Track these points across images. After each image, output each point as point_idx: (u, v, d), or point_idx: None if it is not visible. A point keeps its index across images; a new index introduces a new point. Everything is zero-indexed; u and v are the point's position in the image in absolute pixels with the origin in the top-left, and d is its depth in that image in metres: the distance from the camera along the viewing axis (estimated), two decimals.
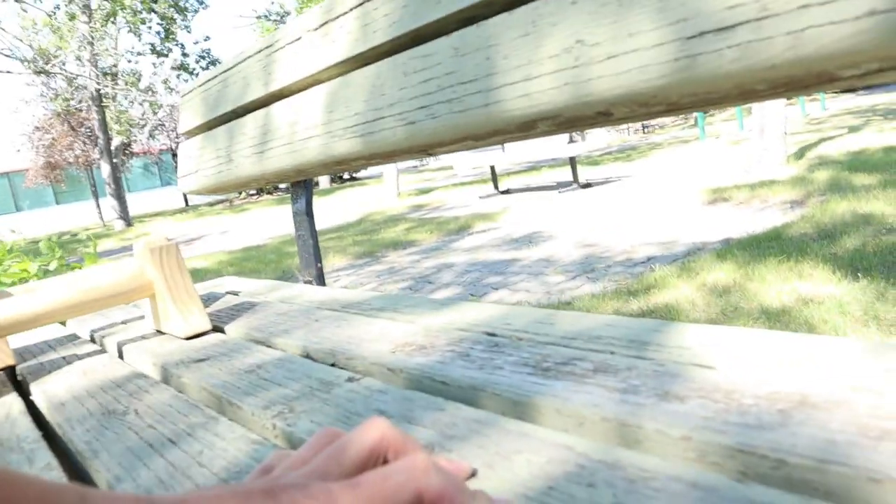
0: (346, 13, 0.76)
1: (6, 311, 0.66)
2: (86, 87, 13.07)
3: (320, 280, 1.04)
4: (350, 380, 0.51)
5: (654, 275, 3.06)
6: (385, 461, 0.31)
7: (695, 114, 12.46)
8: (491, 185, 7.80)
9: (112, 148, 13.31)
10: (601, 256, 3.76)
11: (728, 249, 3.29)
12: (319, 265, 1.01)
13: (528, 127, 0.60)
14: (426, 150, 0.73)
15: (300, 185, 1.05)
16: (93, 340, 0.89)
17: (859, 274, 2.50)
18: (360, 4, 0.74)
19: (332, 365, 0.59)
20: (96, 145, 13.92)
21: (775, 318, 2.25)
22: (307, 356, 0.63)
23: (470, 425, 0.40)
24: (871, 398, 0.36)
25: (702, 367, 0.44)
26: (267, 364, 0.60)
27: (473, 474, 0.34)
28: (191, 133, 1.24)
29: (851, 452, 0.31)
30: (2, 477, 0.23)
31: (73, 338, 0.88)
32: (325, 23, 0.80)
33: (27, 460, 0.45)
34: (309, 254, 1.01)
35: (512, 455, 0.35)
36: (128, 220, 12.83)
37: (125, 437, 0.47)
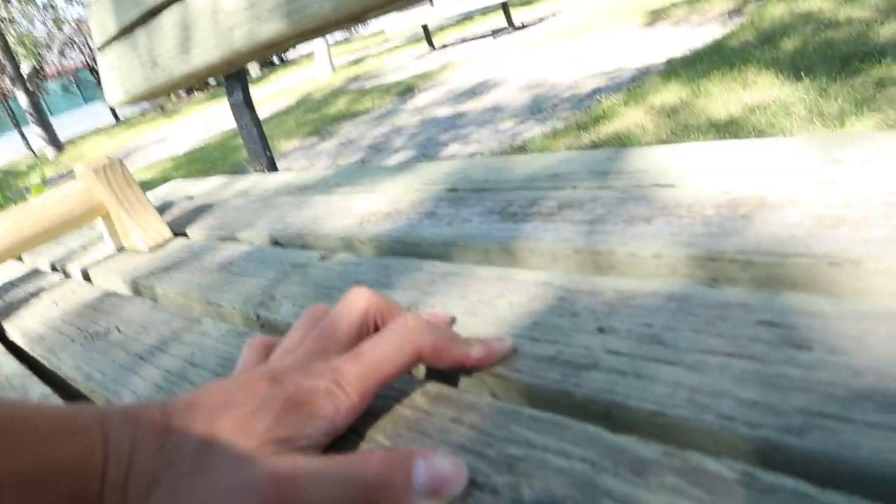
0: None
1: None
2: None
3: (272, 168, 1.01)
4: (323, 258, 0.51)
5: (601, 106, 3.06)
6: (375, 327, 0.32)
7: None
8: (426, 44, 7.51)
9: (24, 74, 12.34)
10: (547, 96, 3.71)
11: (672, 70, 3.27)
12: (268, 153, 0.98)
13: None
14: (355, 18, 0.69)
15: (233, 77, 0.99)
16: (55, 269, 0.87)
17: (802, 74, 2.53)
18: None
19: (302, 247, 0.59)
20: (5, 73, 12.91)
21: (724, 129, 2.28)
22: (276, 243, 0.62)
23: (448, 279, 0.41)
24: (824, 189, 0.37)
25: (662, 186, 0.45)
26: (236, 259, 0.59)
27: (453, 321, 0.35)
28: (107, 44, 1.16)
29: (810, 242, 0.32)
30: (8, 412, 0.23)
31: (34, 272, 0.86)
32: None
33: (22, 396, 0.46)
34: (256, 144, 0.98)
35: (493, 300, 0.36)
36: (59, 146, 12.16)
37: (113, 355, 0.47)
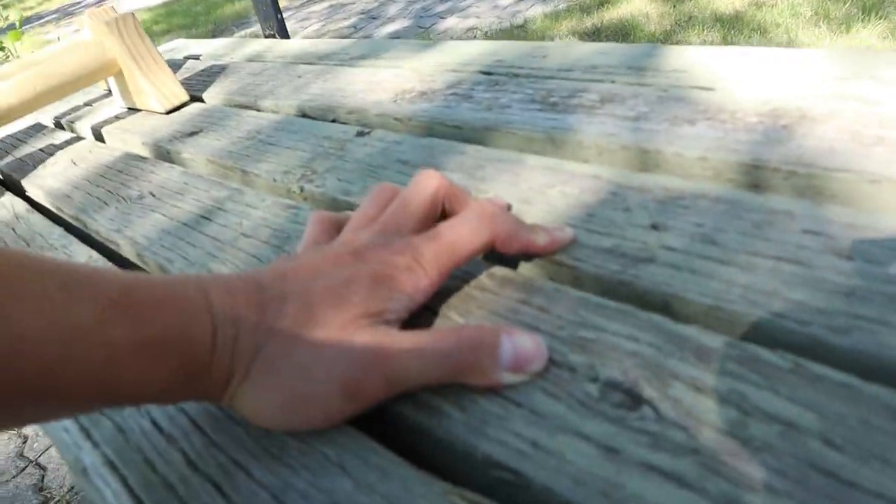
0: None
1: None
2: None
3: (283, 33, 0.98)
4: (360, 134, 0.52)
5: None
6: (443, 210, 0.33)
7: None
8: None
9: None
10: None
11: None
12: (280, 16, 0.95)
13: None
14: None
15: None
16: (61, 126, 0.85)
17: None
18: None
19: (333, 121, 0.59)
20: None
21: (729, 24, 2.23)
22: (303, 115, 0.62)
23: (495, 165, 0.42)
24: (863, 107, 0.38)
25: (702, 89, 0.46)
26: (265, 128, 0.59)
27: (509, 208, 0.37)
28: None
29: (851, 159, 0.34)
30: (126, 282, 0.24)
31: (38, 127, 0.85)
32: None
33: (67, 257, 0.47)
34: (266, 5, 0.94)
35: (545, 188, 0.38)
36: None
37: (154, 221, 0.48)
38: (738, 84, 0.45)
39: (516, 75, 0.56)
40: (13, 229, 0.55)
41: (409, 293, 0.28)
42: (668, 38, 2.26)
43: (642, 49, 0.55)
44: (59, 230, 0.52)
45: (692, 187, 0.35)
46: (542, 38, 2.53)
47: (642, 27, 2.41)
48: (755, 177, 0.36)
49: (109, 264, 0.44)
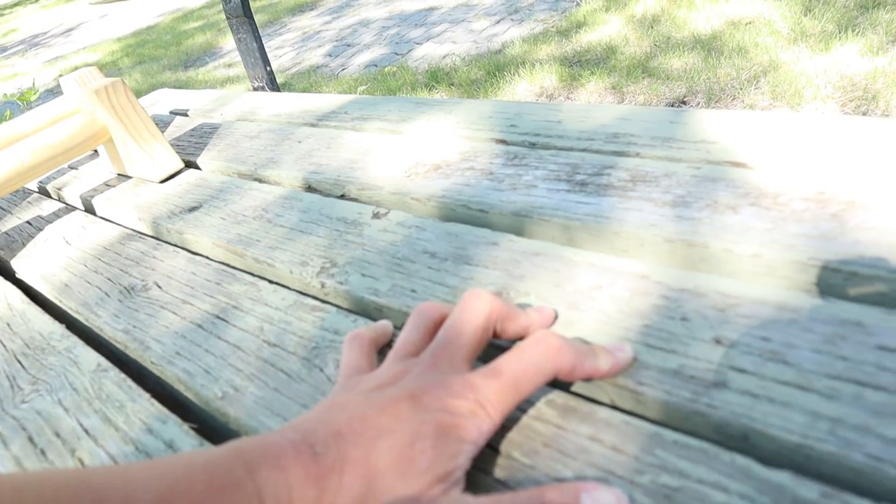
0: None
1: None
2: None
3: (272, 84, 0.96)
4: (376, 216, 0.50)
5: (581, 10, 2.96)
6: (495, 333, 0.31)
7: None
8: None
9: None
10: None
11: None
12: (269, 68, 0.92)
13: None
14: None
15: None
16: (46, 194, 0.82)
17: None
18: None
19: (342, 197, 0.57)
20: None
21: (707, 45, 2.25)
22: (309, 188, 0.60)
23: (532, 260, 0.40)
24: None
25: (737, 165, 0.44)
26: (272, 205, 0.57)
27: (556, 318, 0.35)
28: None
29: None
30: (163, 486, 0.22)
31: (22, 194, 0.81)
32: None
33: (73, 363, 0.44)
34: (255, 57, 0.92)
35: (592, 292, 0.36)
36: None
37: (165, 320, 0.45)
38: (772, 159, 0.44)
39: (533, 144, 0.54)
40: (8, 324, 0.52)
41: (474, 440, 0.26)
42: (648, 60, 2.27)
43: (664, 115, 0.53)
44: (60, 329, 0.49)
45: (748, 291, 0.33)
46: (523, 64, 2.53)
47: (622, 50, 2.42)
48: (812, 276, 0.34)
49: (122, 377, 0.41)
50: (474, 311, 0.30)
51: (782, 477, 0.24)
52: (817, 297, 0.32)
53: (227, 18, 0.94)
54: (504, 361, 0.28)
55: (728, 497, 0.24)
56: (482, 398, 0.27)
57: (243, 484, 0.23)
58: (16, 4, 12.92)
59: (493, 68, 2.57)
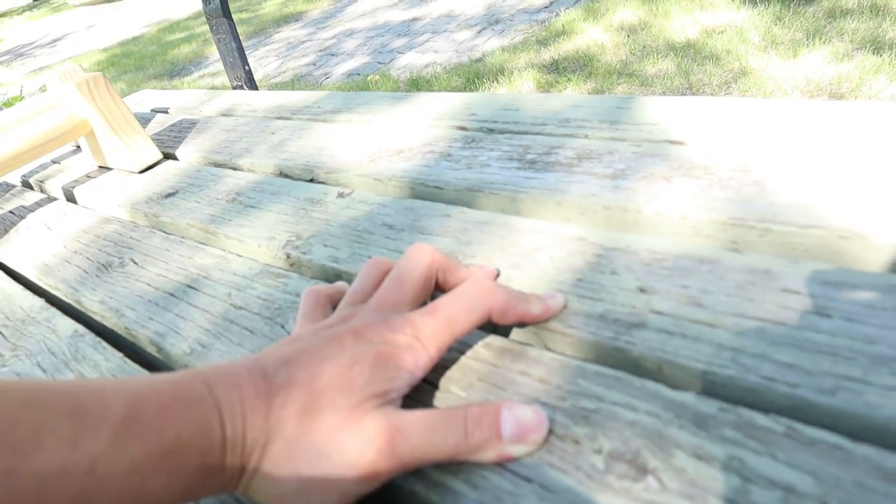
0: None
1: None
2: None
3: (250, 83, 0.99)
4: (341, 195, 0.53)
5: (560, 20, 3.02)
6: (436, 282, 0.34)
7: None
8: None
9: None
10: (503, 6, 3.63)
11: None
12: (247, 68, 0.95)
13: None
14: None
15: None
16: (29, 186, 0.84)
17: None
18: None
19: (311, 181, 0.60)
20: None
21: (682, 52, 2.31)
22: (281, 174, 0.63)
23: (481, 228, 0.43)
24: (831, 160, 0.41)
25: (674, 143, 0.48)
26: (245, 190, 0.60)
27: (498, 274, 0.38)
28: None
29: (822, 215, 0.36)
30: (132, 394, 0.24)
31: (5, 187, 0.83)
32: None
33: (51, 331, 0.46)
34: (234, 57, 0.95)
35: (533, 253, 0.39)
36: None
37: (140, 290, 0.48)
38: (705, 137, 0.47)
39: (491, 130, 0.57)
40: None
41: (410, 370, 0.29)
42: (624, 68, 2.32)
43: (613, 101, 0.57)
44: (40, 302, 0.51)
45: (673, 247, 0.37)
46: (502, 72, 2.58)
47: (598, 58, 2.47)
48: (732, 234, 0.38)
49: (98, 339, 0.44)
50: (416, 260, 0.33)
51: (686, 397, 0.28)
52: (735, 252, 0.35)
53: (208, 20, 0.97)
54: (441, 301, 0.31)
55: (636, 415, 0.27)
56: (419, 333, 0.29)
57: (203, 397, 0.25)
58: (2, 15, 12.88)
59: (472, 76, 2.61)
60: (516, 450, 0.26)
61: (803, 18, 2.28)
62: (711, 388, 0.29)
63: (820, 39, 2.09)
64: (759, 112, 0.48)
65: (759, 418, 0.26)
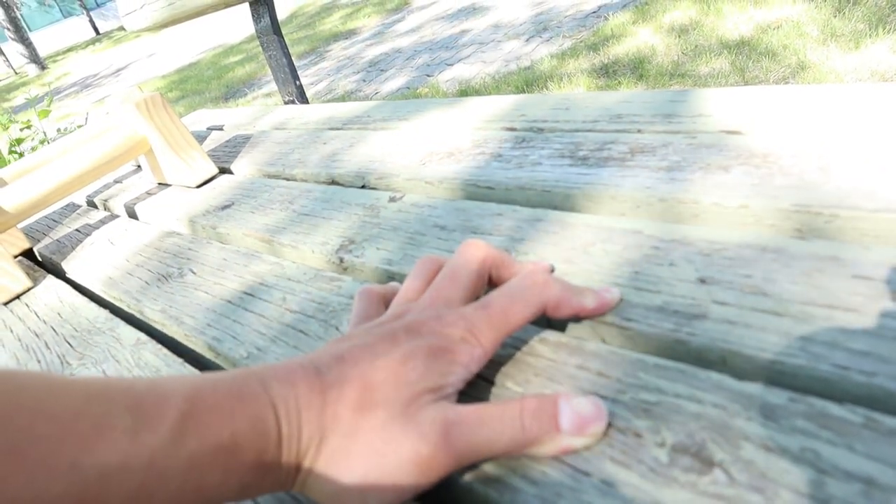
0: None
1: (16, 199, 0.64)
2: None
3: (302, 97, 1.01)
4: (392, 199, 0.53)
5: (609, 24, 2.99)
6: (490, 278, 0.33)
7: None
8: None
9: None
10: (551, 13, 3.62)
11: None
12: (298, 83, 0.97)
13: None
14: None
15: (258, 2, 0.97)
16: (94, 205, 0.87)
17: None
18: None
19: (363, 187, 0.60)
20: None
21: (736, 50, 2.25)
22: (332, 182, 0.64)
23: (534, 225, 0.42)
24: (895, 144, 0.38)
25: (731, 133, 0.46)
26: (298, 198, 0.60)
27: (552, 270, 0.37)
28: None
29: (892, 198, 0.34)
30: (190, 391, 0.25)
31: (72, 207, 0.87)
32: None
33: (115, 340, 0.48)
34: (285, 73, 0.97)
35: (587, 247, 0.38)
36: (40, 63, 11.74)
37: (198, 299, 0.49)
38: (762, 125, 0.46)
39: (541, 130, 0.57)
40: (59, 314, 0.56)
41: (465, 365, 0.28)
42: (676, 69, 2.28)
43: (665, 95, 0.55)
44: (104, 313, 0.53)
45: (734, 237, 0.35)
46: (551, 78, 2.56)
47: (649, 59, 2.43)
48: (797, 221, 0.36)
49: (158, 347, 0.45)
50: (470, 256, 0.33)
51: (753, 387, 0.26)
52: (800, 240, 0.34)
53: (259, 38, 1.00)
54: (494, 295, 0.30)
55: (702, 407, 0.26)
56: (473, 328, 0.29)
57: (259, 395, 0.26)
58: (68, 50, 13.54)
59: (522, 83, 2.61)
60: (576, 442, 0.26)
61: (865, 8, 2.20)
62: (779, 378, 0.27)
63: (884, 29, 2.01)
64: (818, 98, 0.46)
65: (833, 408, 0.24)
